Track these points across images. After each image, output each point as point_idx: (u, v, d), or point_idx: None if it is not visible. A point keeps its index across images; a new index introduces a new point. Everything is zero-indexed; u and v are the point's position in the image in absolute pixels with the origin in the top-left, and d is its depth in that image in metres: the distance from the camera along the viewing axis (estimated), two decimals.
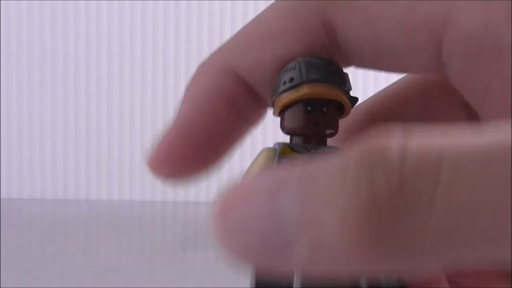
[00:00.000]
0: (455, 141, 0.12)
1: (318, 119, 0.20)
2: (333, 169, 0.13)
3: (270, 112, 0.21)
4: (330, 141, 0.21)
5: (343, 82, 0.19)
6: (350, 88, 0.20)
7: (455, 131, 0.12)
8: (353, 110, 0.19)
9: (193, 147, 0.19)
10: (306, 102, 0.20)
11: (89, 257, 0.70)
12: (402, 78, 0.21)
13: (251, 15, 0.95)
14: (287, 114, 0.21)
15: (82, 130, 0.99)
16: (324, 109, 0.21)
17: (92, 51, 0.98)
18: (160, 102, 0.99)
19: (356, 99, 0.20)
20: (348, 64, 0.20)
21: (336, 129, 0.21)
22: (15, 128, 0.98)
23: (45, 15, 0.97)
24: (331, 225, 0.12)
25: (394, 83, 0.21)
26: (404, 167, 0.12)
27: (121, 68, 0.98)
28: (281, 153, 0.21)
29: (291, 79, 0.20)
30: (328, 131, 0.21)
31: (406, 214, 0.12)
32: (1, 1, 0.96)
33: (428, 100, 0.20)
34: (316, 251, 0.13)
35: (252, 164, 0.21)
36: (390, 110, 0.20)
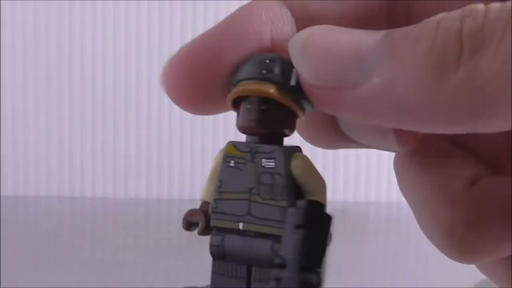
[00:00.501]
0: None
1: (254, 117, 0.20)
2: (426, 21, 0.14)
3: None
4: None
5: (281, 78, 0.19)
6: (289, 83, 0.19)
7: None
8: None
9: (206, 69, 0.19)
10: (248, 100, 0.20)
11: (93, 255, 0.70)
12: None
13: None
14: (238, 113, 0.21)
15: (87, 128, 0.99)
16: (263, 107, 0.21)
17: (95, 48, 0.98)
18: (166, 100, 0.99)
19: (300, 96, 0.19)
20: None
21: (286, 127, 0.21)
22: (18, 125, 0.98)
23: (46, 15, 0.97)
24: (417, 54, 0.14)
25: None
26: (487, 15, 0.14)
27: (127, 64, 0.98)
28: (226, 151, 0.21)
29: (234, 78, 0.20)
30: (278, 130, 0.21)
31: (482, 48, 0.13)
32: (1, 1, 0.96)
33: None
34: (392, 83, 0.14)
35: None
36: None
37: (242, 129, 0.21)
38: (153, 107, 0.99)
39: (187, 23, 0.96)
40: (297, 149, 0.21)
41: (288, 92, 0.19)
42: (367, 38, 0.14)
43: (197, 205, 0.38)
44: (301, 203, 0.19)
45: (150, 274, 0.63)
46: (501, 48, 0.13)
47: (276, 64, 0.19)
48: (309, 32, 0.15)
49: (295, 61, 0.15)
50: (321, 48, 0.15)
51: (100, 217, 0.93)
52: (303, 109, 0.20)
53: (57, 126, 0.99)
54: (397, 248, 0.78)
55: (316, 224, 0.34)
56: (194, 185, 0.99)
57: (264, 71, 0.19)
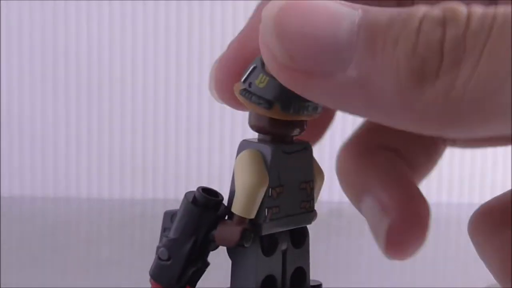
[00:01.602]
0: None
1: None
2: (407, 15, 0.14)
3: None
4: None
5: (247, 77, 0.19)
6: (248, 81, 0.19)
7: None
8: None
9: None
10: None
11: (89, 255, 0.70)
12: None
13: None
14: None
15: (83, 128, 0.99)
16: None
17: (90, 49, 0.98)
18: (161, 100, 0.99)
19: (259, 98, 0.19)
20: None
21: (252, 123, 0.21)
22: (15, 126, 0.98)
23: (46, 15, 0.97)
24: (396, 57, 0.13)
25: None
26: (469, 24, 0.14)
27: (122, 67, 0.98)
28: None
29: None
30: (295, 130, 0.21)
31: (462, 62, 0.13)
32: (1, 1, 0.96)
33: None
34: (367, 80, 0.14)
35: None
36: None
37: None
38: (149, 108, 0.99)
39: (183, 23, 0.96)
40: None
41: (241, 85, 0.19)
42: (345, 21, 0.14)
43: None
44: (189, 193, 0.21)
45: (146, 274, 0.63)
46: (479, 65, 0.13)
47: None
48: (284, 2, 0.14)
49: (266, 35, 0.14)
50: (296, 28, 0.14)
51: (96, 217, 0.93)
52: (250, 101, 0.19)
53: (53, 127, 0.98)
54: None
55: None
56: (189, 186, 0.98)
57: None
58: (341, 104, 0.14)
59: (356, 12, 0.14)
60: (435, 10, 0.14)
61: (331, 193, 1.01)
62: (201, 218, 0.29)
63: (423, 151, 0.21)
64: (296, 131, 0.22)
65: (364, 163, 0.21)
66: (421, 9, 0.14)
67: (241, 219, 0.24)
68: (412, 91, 0.13)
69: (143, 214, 0.93)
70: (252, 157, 0.21)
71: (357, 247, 0.78)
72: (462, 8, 0.14)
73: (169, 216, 0.37)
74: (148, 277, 0.27)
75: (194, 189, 0.25)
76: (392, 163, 0.21)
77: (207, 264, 0.36)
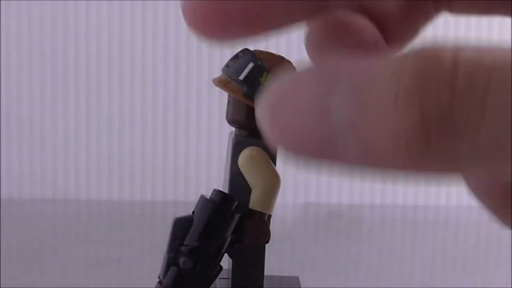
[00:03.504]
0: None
1: (228, 109, 0.20)
2: (389, 75, 0.13)
3: None
4: None
5: (235, 71, 0.19)
6: (240, 75, 0.19)
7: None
8: None
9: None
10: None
11: (88, 256, 0.70)
12: None
13: None
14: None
15: (82, 131, 0.99)
16: (228, 100, 0.21)
17: (88, 51, 0.98)
18: (161, 102, 0.99)
19: (250, 86, 0.19)
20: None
21: (239, 119, 0.21)
22: (15, 128, 0.98)
23: (46, 15, 0.97)
24: (382, 132, 0.13)
25: None
26: (456, 83, 0.12)
27: (121, 69, 0.98)
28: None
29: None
30: (231, 121, 0.21)
31: (455, 133, 0.12)
32: (1, 1, 0.96)
33: None
34: (365, 154, 0.13)
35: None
36: None
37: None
38: (148, 109, 0.99)
39: (182, 25, 0.96)
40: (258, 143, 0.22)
41: (239, 85, 0.19)
42: (333, 97, 0.13)
43: (192, 207, 0.38)
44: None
45: (145, 275, 0.63)
46: (478, 141, 0.12)
47: (238, 58, 0.20)
48: (275, 94, 0.14)
49: (263, 130, 0.14)
50: (289, 116, 0.14)
51: (95, 219, 0.93)
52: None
53: (52, 129, 0.99)
54: (392, 251, 0.78)
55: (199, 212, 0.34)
56: (188, 188, 0.99)
57: (227, 64, 0.19)
58: (359, 165, 0.14)
59: (343, 74, 0.13)
60: (408, 71, 0.12)
61: (330, 195, 1.01)
62: (224, 219, 0.29)
63: (405, 21, 0.19)
64: None
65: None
66: (394, 73, 0.12)
67: (265, 216, 0.24)
68: (405, 161, 0.13)
69: (142, 216, 0.93)
70: (263, 155, 0.22)
71: (356, 248, 0.78)
72: (441, 64, 0.12)
73: (181, 223, 0.36)
74: (150, 278, 0.27)
75: (193, 191, 0.25)
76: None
77: (221, 268, 0.36)
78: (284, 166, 1.02)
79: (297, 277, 0.48)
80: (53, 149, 0.99)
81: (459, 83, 0.12)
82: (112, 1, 0.97)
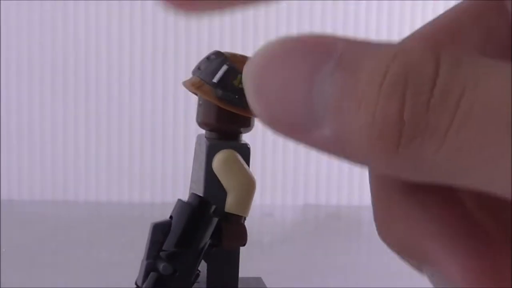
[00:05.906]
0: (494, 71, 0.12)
1: (197, 112, 0.20)
2: (375, 65, 0.13)
3: None
4: None
5: (208, 74, 0.19)
6: (214, 78, 0.19)
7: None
8: (407, 38, 0.17)
9: None
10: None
11: (87, 257, 0.70)
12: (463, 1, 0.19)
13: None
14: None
15: (82, 132, 0.99)
16: (200, 102, 0.21)
17: (92, 52, 0.98)
18: (160, 104, 0.99)
19: (227, 94, 0.19)
20: None
21: (210, 121, 0.21)
22: (14, 130, 0.98)
23: (46, 15, 0.97)
24: (361, 116, 0.13)
25: (455, 6, 0.18)
26: (433, 91, 0.12)
27: (121, 70, 0.99)
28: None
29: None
30: (201, 124, 0.21)
31: (424, 136, 0.12)
32: (1, 1, 0.96)
33: (491, 31, 0.18)
34: (340, 139, 0.13)
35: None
36: (446, 37, 0.18)
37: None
38: (147, 111, 0.99)
39: (181, 27, 0.96)
40: (238, 145, 0.22)
41: (212, 88, 0.19)
42: (319, 75, 0.13)
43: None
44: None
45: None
46: (445, 144, 0.12)
47: (210, 60, 0.20)
48: (263, 61, 0.14)
49: (249, 96, 0.14)
50: (273, 87, 0.14)
51: (94, 220, 0.93)
52: (234, 105, 0.19)
53: (52, 131, 0.99)
54: (391, 252, 0.78)
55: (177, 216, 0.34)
56: (187, 190, 0.99)
57: (198, 66, 0.19)
58: (326, 152, 0.14)
59: (330, 62, 0.13)
60: (396, 65, 0.13)
61: (329, 196, 1.01)
62: (202, 223, 0.29)
63: None
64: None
65: (410, 202, 0.16)
66: (385, 62, 0.13)
67: (241, 219, 0.24)
68: (378, 155, 0.13)
69: (141, 218, 0.93)
70: (237, 158, 0.22)
71: (355, 249, 0.78)
72: (426, 65, 0.12)
73: (159, 228, 0.36)
74: None
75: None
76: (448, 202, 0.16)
77: (199, 272, 0.36)
78: (283, 167, 1.01)
79: (260, 278, 0.47)
80: (52, 151, 0.99)
81: (436, 90, 0.12)
82: (112, 1, 0.97)
